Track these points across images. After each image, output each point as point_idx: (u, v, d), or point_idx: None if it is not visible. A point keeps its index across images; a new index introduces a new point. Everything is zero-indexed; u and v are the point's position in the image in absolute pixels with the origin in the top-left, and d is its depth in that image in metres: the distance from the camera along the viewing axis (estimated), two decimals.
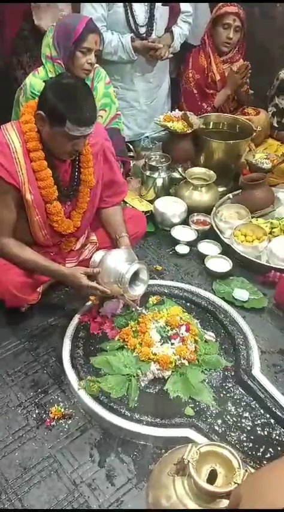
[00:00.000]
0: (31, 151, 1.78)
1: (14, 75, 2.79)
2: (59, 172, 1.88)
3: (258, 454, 1.62)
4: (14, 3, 2.65)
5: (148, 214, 2.63)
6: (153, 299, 2.10)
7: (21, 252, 1.89)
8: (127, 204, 2.64)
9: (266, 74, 3.25)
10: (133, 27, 2.73)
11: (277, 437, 1.67)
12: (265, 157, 2.83)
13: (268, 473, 0.90)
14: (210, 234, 2.57)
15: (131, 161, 2.91)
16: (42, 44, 2.33)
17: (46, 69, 2.30)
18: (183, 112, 2.77)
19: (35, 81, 2.29)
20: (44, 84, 2.03)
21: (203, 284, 2.31)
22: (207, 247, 2.49)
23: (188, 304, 2.15)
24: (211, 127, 2.98)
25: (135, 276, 1.88)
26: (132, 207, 2.65)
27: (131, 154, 2.99)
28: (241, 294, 2.20)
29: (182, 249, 2.51)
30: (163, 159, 2.81)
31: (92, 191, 1.99)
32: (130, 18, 2.69)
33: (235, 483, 1.19)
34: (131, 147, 3.01)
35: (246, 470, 1.23)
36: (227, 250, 2.44)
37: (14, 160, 1.76)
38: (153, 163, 2.77)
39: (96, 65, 2.40)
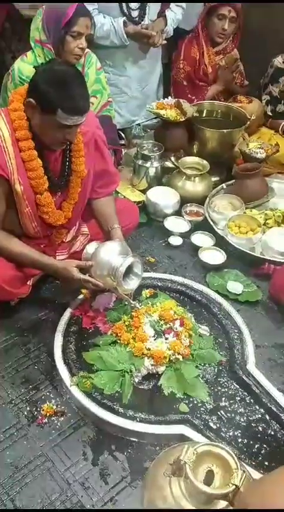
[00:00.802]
0: (20, 141, 1.71)
1: (1, 60, 2.70)
2: (49, 162, 1.82)
3: (253, 450, 1.60)
4: None
5: (140, 204, 2.58)
6: (146, 292, 2.06)
7: (11, 244, 1.83)
8: (119, 194, 2.59)
9: (260, 61, 3.19)
10: (125, 10, 2.65)
11: (272, 433, 1.65)
12: (259, 146, 2.78)
13: (274, 481, 0.88)
14: (204, 225, 2.52)
15: (122, 150, 2.85)
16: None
17: (35, 54, 2.21)
18: (176, 99, 2.71)
19: (23, 66, 2.21)
20: (32, 69, 1.96)
21: (196, 276, 2.27)
22: (200, 238, 2.45)
23: (181, 297, 2.12)
24: (204, 115, 2.93)
25: (129, 269, 1.84)
26: (124, 197, 2.59)
27: (122, 142, 2.93)
28: (235, 286, 2.17)
29: (175, 241, 2.47)
30: (156, 148, 2.75)
31: (83, 181, 1.93)
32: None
33: (233, 484, 1.17)
34: (122, 135, 2.95)
35: (244, 471, 1.21)
36: (221, 242, 2.41)
37: (2, 149, 1.69)
38: (145, 152, 2.71)
39: (87, 50, 2.32)
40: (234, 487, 1.16)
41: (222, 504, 1.20)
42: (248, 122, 2.75)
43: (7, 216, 1.82)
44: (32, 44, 2.22)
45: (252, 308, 2.13)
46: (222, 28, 2.90)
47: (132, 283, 1.89)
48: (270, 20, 3.30)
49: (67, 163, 1.87)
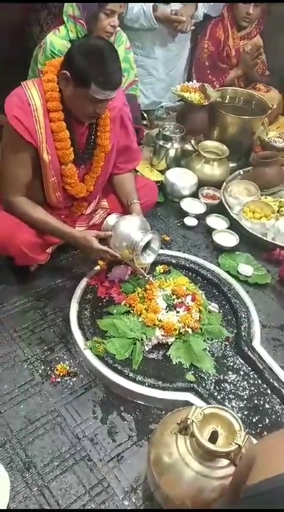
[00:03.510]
0: (51, 112, 1.77)
1: (30, 32, 2.73)
2: (76, 134, 1.87)
3: (254, 420, 1.69)
4: None
5: (158, 184, 2.63)
6: (160, 268, 2.13)
7: (34, 211, 1.90)
8: (138, 173, 2.64)
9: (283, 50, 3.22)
10: None
11: (273, 407, 1.73)
12: (278, 136, 2.83)
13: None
14: (219, 209, 2.59)
15: (144, 130, 2.90)
16: (62, 2, 2.27)
17: (67, 29, 2.24)
18: (200, 83, 2.75)
19: (56, 40, 2.25)
20: (64, 43, 2.00)
21: (209, 257, 2.34)
22: (215, 221, 2.52)
23: (194, 275, 2.19)
24: (227, 101, 2.97)
25: (147, 245, 1.91)
26: (143, 176, 2.65)
27: (144, 122, 2.98)
28: (246, 269, 2.24)
29: (190, 222, 2.53)
30: (177, 130, 2.80)
31: (107, 156, 2.00)
32: None
33: (236, 444, 1.25)
34: (145, 115, 2.99)
35: (247, 433, 1.29)
36: (234, 226, 2.47)
37: (33, 118, 1.75)
38: (167, 133, 2.76)
39: (118, 28, 2.36)
40: (237, 446, 1.25)
41: (224, 462, 1.29)
42: (270, 111, 2.79)
43: (32, 184, 1.88)
44: (65, 19, 2.25)
45: (261, 291, 2.20)
46: (247, 12, 2.93)
47: (149, 258, 1.96)
48: None
49: (92, 137, 1.93)
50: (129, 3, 2.48)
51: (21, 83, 1.79)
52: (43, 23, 2.80)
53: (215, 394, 1.73)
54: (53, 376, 1.78)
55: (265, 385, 1.79)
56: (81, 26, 2.21)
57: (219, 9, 3.05)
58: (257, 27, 3.09)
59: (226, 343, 1.92)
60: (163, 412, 1.69)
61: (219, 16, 3.04)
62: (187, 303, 1.92)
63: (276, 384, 1.77)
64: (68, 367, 1.80)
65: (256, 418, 1.70)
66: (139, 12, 2.68)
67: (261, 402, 1.75)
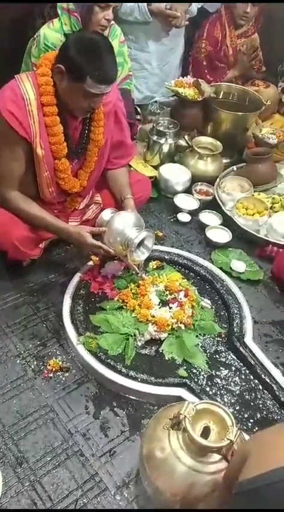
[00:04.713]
0: (45, 106, 1.75)
1: (33, 25, 2.70)
2: (70, 129, 1.87)
3: (245, 416, 1.70)
4: None
5: (152, 179, 2.63)
6: (153, 264, 2.13)
7: (29, 206, 1.89)
8: (132, 168, 2.64)
9: (279, 49, 3.22)
10: None
11: (264, 402, 1.75)
12: (272, 132, 2.84)
13: (279, 433, 0.96)
14: (212, 205, 2.60)
15: (138, 124, 2.89)
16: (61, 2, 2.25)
17: (61, 22, 2.22)
18: (194, 79, 2.75)
19: (49, 32, 2.23)
20: (58, 36, 1.97)
21: (202, 253, 2.35)
22: (208, 217, 2.53)
23: (186, 271, 2.19)
24: (221, 97, 2.96)
25: (141, 242, 1.91)
26: (136, 171, 2.65)
27: (138, 117, 2.97)
28: (238, 265, 2.25)
29: (183, 217, 2.53)
30: (171, 125, 2.80)
31: (100, 151, 1.99)
32: None
33: (228, 439, 1.26)
34: (139, 110, 2.98)
35: (239, 429, 1.30)
36: (228, 222, 2.48)
37: (27, 112, 1.74)
38: (161, 129, 2.76)
39: (112, 22, 2.34)
40: (229, 441, 1.26)
41: (216, 457, 1.30)
42: (264, 107, 2.80)
43: (25, 179, 1.87)
44: (59, 12, 2.23)
45: (253, 287, 2.22)
46: (244, 11, 2.93)
47: (143, 256, 1.97)
48: None
49: (86, 132, 1.92)
50: None
51: (15, 76, 1.77)
52: (46, 16, 2.76)
53: (208, 389, 1.75)
54: (46, 371, 1.78)
55: (256, 381, 1.80)
56: (75, 19, 2.19)
57: (216, 4, 3.04)
58: (255, 25, 3.09)
59: (219, 338, 1.93)
60: (156, 408, 1.69)
61: (216, 13, 3.04)
62: (180, 299, 1.92)
63: (267, 380, 1.78)
64: (60, 363, 1.80)
65: (248, 413, 1.71)
66: (133, 5, 2.66)
67: (252, 397, 1.76)
